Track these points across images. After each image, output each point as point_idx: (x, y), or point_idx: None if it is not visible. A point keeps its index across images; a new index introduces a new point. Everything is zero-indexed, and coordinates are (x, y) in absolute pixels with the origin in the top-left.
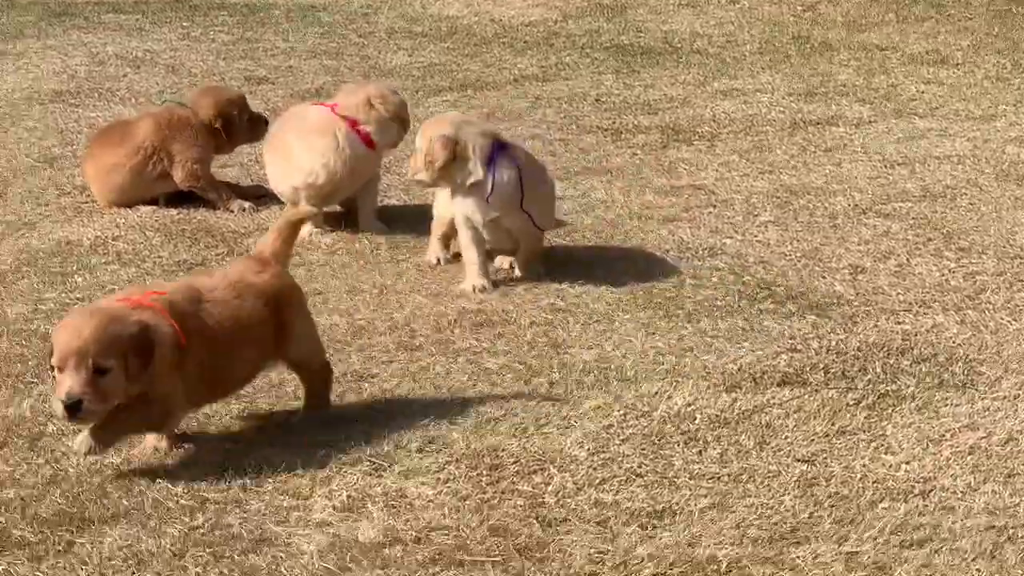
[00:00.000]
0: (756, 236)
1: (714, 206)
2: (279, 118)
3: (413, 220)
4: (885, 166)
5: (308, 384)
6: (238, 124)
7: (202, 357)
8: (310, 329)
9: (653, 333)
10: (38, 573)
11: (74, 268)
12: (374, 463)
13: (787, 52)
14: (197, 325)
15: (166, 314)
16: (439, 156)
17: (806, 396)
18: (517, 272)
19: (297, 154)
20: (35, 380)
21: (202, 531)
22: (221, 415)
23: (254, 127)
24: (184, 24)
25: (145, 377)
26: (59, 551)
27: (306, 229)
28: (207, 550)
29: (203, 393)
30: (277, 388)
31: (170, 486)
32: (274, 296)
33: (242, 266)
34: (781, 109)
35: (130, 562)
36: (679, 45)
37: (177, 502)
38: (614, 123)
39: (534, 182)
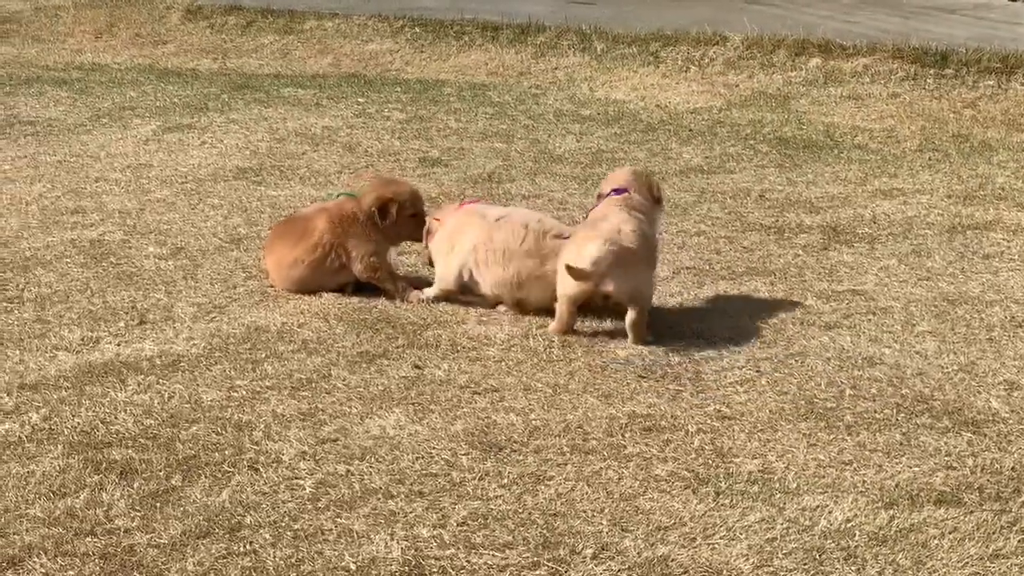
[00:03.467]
0: (914, 346)
1: (874, 313)
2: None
3: (585, 318)
4: None
5: None
6: (396, 219)
7: None
8: None
9: (815, 444)
10: None
11: (263, 355)
12: (550, 568)
13: (947, 151)
14: None
15: None
16: None
17: (961, 517)
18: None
19: None
20: (232, 470)
21: None
22: None
23: (417, 226)
24: (359, 100)
25: None
26: None
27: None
28: None
29: None
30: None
31: None
32: None
33: None
34: (940, 212)
35: None
36: (840, 139)
37: None
38: (777, 221)
39: None
